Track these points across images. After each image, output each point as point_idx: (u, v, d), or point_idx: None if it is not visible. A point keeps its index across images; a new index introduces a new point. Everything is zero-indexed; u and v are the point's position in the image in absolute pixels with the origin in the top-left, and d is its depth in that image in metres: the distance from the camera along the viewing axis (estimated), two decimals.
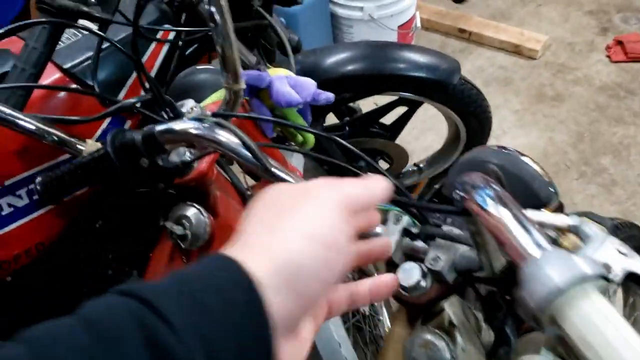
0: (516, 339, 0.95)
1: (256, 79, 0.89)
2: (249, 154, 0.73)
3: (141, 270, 1.30)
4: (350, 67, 1.47)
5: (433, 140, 2.42)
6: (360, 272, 1.52)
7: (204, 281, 0.36)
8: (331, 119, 1.79)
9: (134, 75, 1.08)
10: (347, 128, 1.79)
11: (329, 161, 0.82)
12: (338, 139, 0.75)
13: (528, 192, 0.81)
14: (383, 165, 1.99)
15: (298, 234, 0.40)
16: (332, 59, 1.49)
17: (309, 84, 0.92)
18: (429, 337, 0.76)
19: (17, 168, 0.97)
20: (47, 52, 0.86)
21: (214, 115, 0.75)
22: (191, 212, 0.86)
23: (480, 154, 0.86)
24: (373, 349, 1.40)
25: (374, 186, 0.47)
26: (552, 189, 0.82)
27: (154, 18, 1.15)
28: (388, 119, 1.81)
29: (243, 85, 0.82)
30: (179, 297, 0.35)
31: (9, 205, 0.98)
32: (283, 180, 0.75)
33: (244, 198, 0.96)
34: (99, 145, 0.86)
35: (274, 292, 0.37)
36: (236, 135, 0.73)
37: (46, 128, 0.82)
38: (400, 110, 1.78)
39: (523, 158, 0.84)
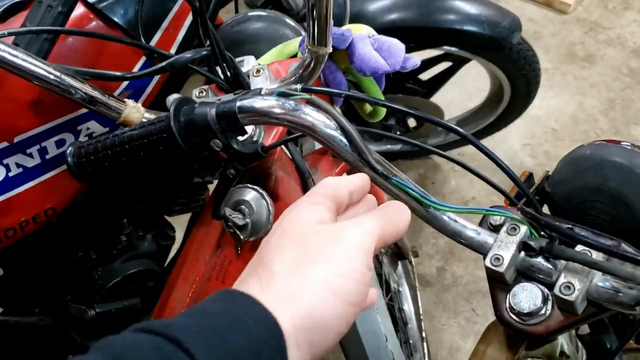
0: None
1: (337, 39, 0.72)
2: (346, 143, 0.58)
3: (157, 234, 1.17)
4: (401, 16, 1.30)
5: (456, 96, 2.26)
6: (394, 254, 1.40)
7: (233, 325, 0.36)
8: None
9: (172, 13, 0.89)
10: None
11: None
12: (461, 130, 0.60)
13: None
14: (413, 124, 1.85)
15: (325, 287, 0.39)
16: (379, 5, 1.31)
17: (398, 47, 0.75)
18: None
19: (31, 122, 0.81)
20: None
21: (304, 90, 0.59)
22: (251, 196, 0.71)
23: (601, 150, 0.72)
24: (402, 337, 1.30)
25: (401, 220, 0.46)
26: None
27: None
28: (426, 74, 1.65)
29: (330, 49, 0.65)
30: (207, 338, 0.35)
31: (18, 165, 0.82)
32: (385, 177, 0.60)
33: (304, 178, 0.81)
34: (141, 108, 0.70)
35: (295, 346, 0.37)
36: (334, 118, 0.57)
37: (77, 84, 0.65)
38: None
39: None
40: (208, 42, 0.71)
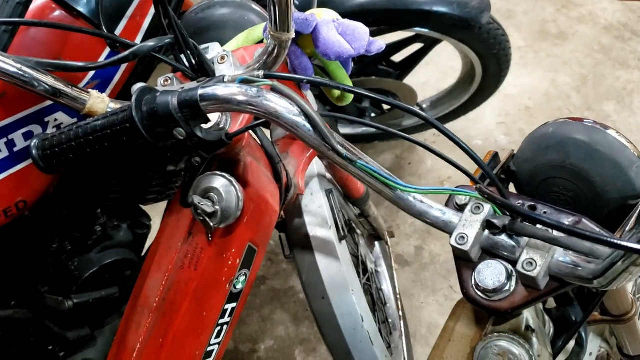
0: (587, 337, 0.87)
1: (301, 25, 0.72)
2: (310, 128, 0.58)
3: (133, 223, 1.17)
4: None
5: (431, 76, 2.27)
6: (371, 236, 1.42)
7: None
8: None
9: (136, 2, 0.89)
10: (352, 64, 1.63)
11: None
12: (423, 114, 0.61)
13: (623, 179, 0.69)
14: (387, 106, 1.85)
15: None
16: None
17: (362, 31, 0.76)
18: (506, 345, 0.66)
19: None
20: None
21: (266, 76, 0.60)
22: (220, 183, 0.71)
23: (563, 127, 0.73)
24: (381, 316, 1.32)
25: None
26: None
27: None
28: (398, 56, 1.65)
29: (292, 35, 0.66)
30: None
31: None
32: (350, 161, 0.61)
33: (274, 164, 0.82)
34: (106, 99, 0.70)
35: None
36: (297, 104, 0.57)
37: (41, 77, 0.65)
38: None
39: (612, 133, 0.71)
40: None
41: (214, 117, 0.65)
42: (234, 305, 0.82)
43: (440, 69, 2.25)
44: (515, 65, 2.32)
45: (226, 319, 0.82)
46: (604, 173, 0.69)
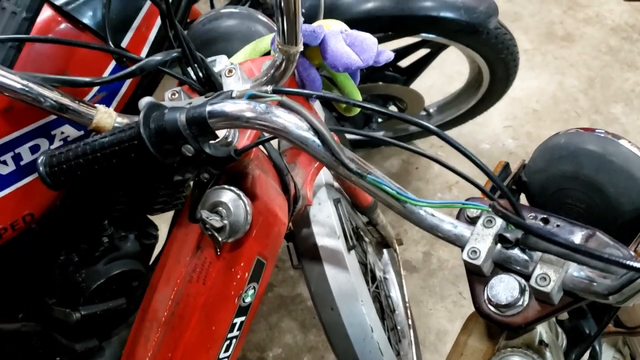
0: (601, 350, 0.85)
1: (309, 37, 0.72)
2: (319, 143, 0.58)
3: (140, 233, 1.16)
4: (377, 4, 1.29)
5: (437, 80, 2.26)
6: (379, 244, 1.41)
7: None
8: None
9: (143, 12, 0.88)
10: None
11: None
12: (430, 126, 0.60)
13: (637, 190, 0.68)
14: (394, 109, 1.84)
15: None
16: None
17: (371, 42, 0.75)
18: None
19: (2, 129, 0.79)
20: None
21: (275, 91, 0.59)
22: (228, 197, 0.71)
23: (575, 138, 0.72)
24: (390, 323, 1.31)
25: None
26: None
27: None
28: (405, 61, 1.64)
29: (301, 48, 0.65)
30: None
31: None
32: (360, 175, 0.60)
33: (282, 176, 0.81)
34: (113, 113, 0.69)
35: None
36: (306, 119, 0.57)
37: (47, 93, 0.64)
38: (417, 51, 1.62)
39: (624, 144, 0.70)
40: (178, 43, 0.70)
41: (221, 131, 0.65)
42: (242, 318, 0.81)
43: (446, 72, 2.23)
44: (522, 68, 2.30)
45: (235, 332, 0.81)
46: (617, 184, 0.68)
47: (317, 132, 0.57)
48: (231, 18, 0.84)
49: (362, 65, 0.74)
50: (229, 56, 0.81)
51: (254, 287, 0.80)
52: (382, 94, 1.69)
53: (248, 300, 0.80)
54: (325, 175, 1.05)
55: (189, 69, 0.73)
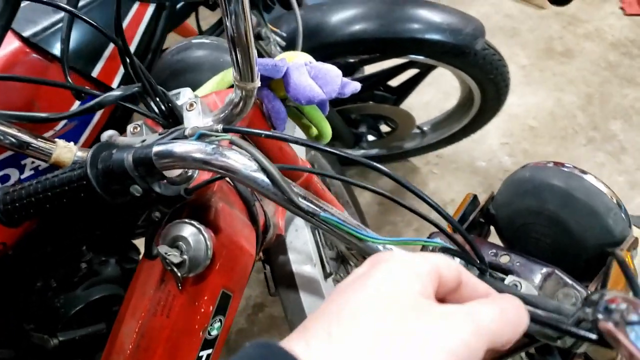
0: None
1: (271, 70, 0.71)
2: (269, 182, 0.57)
3: (121, 258, 1.16)
4: (362, 27, 1.29)
5: (434, 97, 2.25)
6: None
7: None
8: None
9: (112, 44, 0.88)
10: None
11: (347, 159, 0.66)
12: (379, 166, 0.60)
13: (601, 226, 0.67)
14: (385, 129, 1.84)
15: None
16: (341, 17, 1.30)
17: (335, 74, 0.74)
18: None
19: None
20: (3, 25, 0.66)
21: (225, 130, 0.59)
22: (188, 232, 0.70)
23: (539, 172, 0.71)
24: None
25: (519, 324, 0.35)
26: (626, 219, 0.68)
27: None
28: (395, 81, 1.64)
29: (258, 84, 0.65)
30: None
31: None
32: (312, 214, 0.59)
33: (249, 206, 0.81)
34: (73, 148, 0.69)
35: None
36: (255, 159, 0.56)
37: (3, 129, 0.64)
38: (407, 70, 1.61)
39: (589, 179, 0.69)
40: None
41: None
42: (209, 351, 0.80)
43: (443, 89, 2.23)
44: (520, 84, 2.30)
45: None
46: (580, 220, 0.67)
47: (265, 171, 0.57)
48: (200, 48, 0.84)
49: (325, 98, 0.73)
50: (198, 87, 0.81)
51: (220, 320, 0.79)
52: (372, 113, 1.69)
53: (214, 333, 0.79)
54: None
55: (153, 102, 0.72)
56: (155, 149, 0.55)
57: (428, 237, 0.67)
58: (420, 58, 1.41)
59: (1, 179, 0.84)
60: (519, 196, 0.72)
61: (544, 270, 0.62)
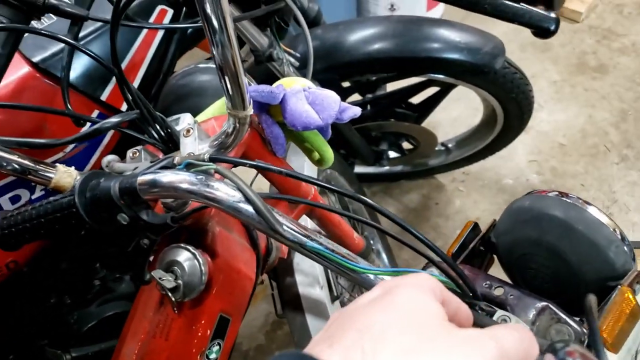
0: None
1: (267, 97, 0.72)
2: (253, 212, 0.57)
3: (135, 275, 1.18)
4: (378, 47, 1.28)
5: (462, 112, 2.22)
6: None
7: None
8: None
9: (123, 66, 0.90)
10: (368, 107, 1.61)
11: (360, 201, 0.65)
12: (368, 200, 0.59)
13: (601, 259, 0.64)
14: (407, 147, 1.82)
15: None
16: (357, 36, 1.29)
17: (332, 100, 0.74)
18: None
19: None
20: (7, 54, 0.69)
21: (212, 159, 0.59)
22: (184, 257, 0.71)
23: (540, 201, 0.69)
24: None
25: (532, 350, 0.36)
26: (629, 253, 0.66)
27: None
28: (416, 98, 1.62)
29: (250, 111, 0.65)
30: None
31: None
32: (299, 244, 0.59)
33: (249, 230, 0.81)
34: (73, 172, 0.70)
35: None
36: (240, 189, 0.57)
37: (4, 155, 0.66)
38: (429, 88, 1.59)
39: (591, 211, 0.67)
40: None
41: None
42: None
43: (472, 104, 2.19)
44: (550, 100, 2.25)
45: None
46: (580, 252, 0.65)
47: (249, 201, 0.57)
48: (205, 73, 0.85)
49: (322, 124, 0.73)
50: (201, 111, 0.82)
51: (219, 344, 0.80)
52: (393, 131, 1.67)
53: (213, 356, 0.79)
54: (310, 223, 1.04)
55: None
56: (140, 179, 0.56)
57: (422, 268, 0.66)
58: (440, 77, 1.40)
59: (12, 200, 0.86)
60: (519, 225, 0.70)
61: (538, 304, 0.60)
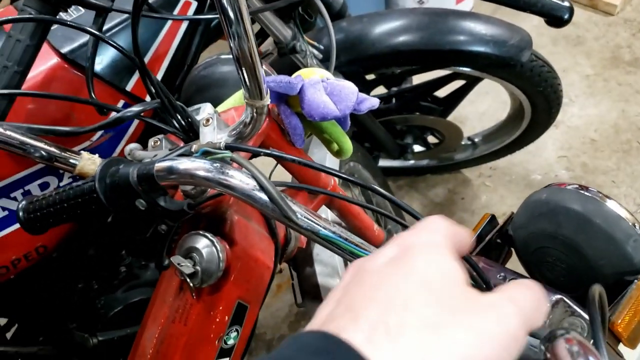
0: None
1: (285, 87, 0.72)
2: (267, 200, 0.58)
3: (158, 263, 1.20)
4: (402, 39, 1.28)
5: (490, 106, 2.20)
6: None
7: None
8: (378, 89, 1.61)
9: (148, 57, 0.92)
10: (393, 100, 1.61)
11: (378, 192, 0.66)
12: (377, 188, 0.59)
13: (619, 253, 0.64)
14: (432, 140, 1.81)
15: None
16: (381, 29, 1.29)
17: (350, 91, 0.75)
18: None
19: (9, 169, 0.85)
20: (35, 45, 0.71)
21: (228, 147, 0.60)
22: (202, 243, 0.72)
23: (557, 194, 0.69)
24: None
25: (544, 305, 0.36)
26: None
27: None
28: (442, 91, 1.61)
29: (268, 101, 0.66)
30: None
31: (3, 208, 0.87)
32: (307, 230, 0.60)
33: (268, 219, 0.82)
34: (97, 160, 0.73)
35: None
36: (254, 176, 0.58)
37: (32, 142, 0.69)
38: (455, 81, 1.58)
39: (610, 204, 0.66)
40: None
41: None
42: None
43: (501, 98, 2.16)
44: (582, 94, 2.21)
45: None
46: (597, 247, 0.64)
47: (264, 189, 0.58)
48: (226, 64, 0.86)
49: (339, 115, 0.73)
50: (222, 102, 0.83)
51: (236, 330, 0.81)
52: (418, 125, 1.67)
53: (231, 342, 0.81)
54: (330, 214, 1.05)
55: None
56: (157, 165, 0.57)
57: None
58: (465, 70, 1.39)
59: (41, 186, 0.89)
60: (535, 219, 0.70)
61: (553, 297, 0.60)
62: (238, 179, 0.57)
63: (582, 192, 0.67)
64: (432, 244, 0.37)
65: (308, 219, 0.60)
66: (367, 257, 0.39)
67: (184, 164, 0.57)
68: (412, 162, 1.92)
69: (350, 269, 0.39)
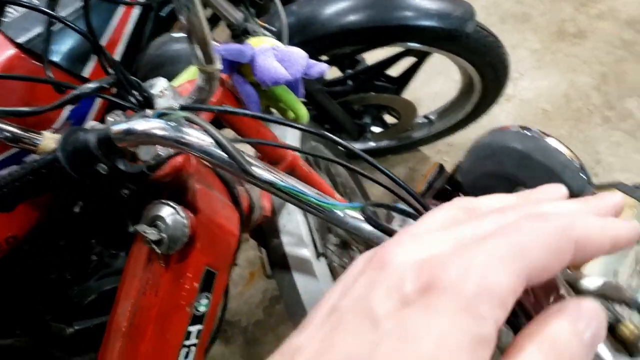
0: None
1: (236, 54, 0.76)
2: (224, 155, 0.61)
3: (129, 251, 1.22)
4: (351, 18, 1.32)
5: (443, 85, 2.26)
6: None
7: None
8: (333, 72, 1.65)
9: (105, 41, 0.95)
10: (349, 82, 1.65)
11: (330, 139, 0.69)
12: (336, 138, 0.63)
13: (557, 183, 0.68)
14: (390, 120, 1.86)
15: None
16: (331, 10, 1.33)
17: (299, 56, 0.78)
18: None
19: None
20: None
21: (182, 108, 0.63)
22: (166, 212, 0.75)
23: (499, 136, 0.74)
24: None
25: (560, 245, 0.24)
26: (584, 176, 0.70)
27: None
28: (394, 70, 1.66)
29: (219, 66, 0.69)
30: None
31: None
32: (266, 183, 0.63)
33: (230, 188, 0.85)
34: (57, 137, 0.75)
35: None
36: (208, 133, 0.61)
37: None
38: (406, 59, 1.63)
39: (549, 141, 0.71)
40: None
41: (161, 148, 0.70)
42: (199, 327, 0.85)
43: (453, 77, 2.22)
44: (532, 68, 2.29)
45: (192, 340, 0.85)
46: (536, 179, 0.69)
47: (219, 144, 0.61)
48: (178, 42, 0.89)
49: (290, 79, 0.77)
50: (175, 76, 0.86)
51: (207, 297, 0.84)
52: (374, 103, 1.71)
53: (202, 309, 0.84)
54: None
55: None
56: (114, 128, 0.60)
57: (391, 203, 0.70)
58: (415, 45, 1.44)
59: None
60: (480, 161, 0.74)
61: None
62: (195, 136, 0.60)
63: (523, 131, 0.72)
64: (461, 303, 0.23)
65: (266, 170, 0.64)
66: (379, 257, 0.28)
67: (140, 124, 0.60)
68: (372, 143, 1.97)
69: (355, 265, 0.30)
